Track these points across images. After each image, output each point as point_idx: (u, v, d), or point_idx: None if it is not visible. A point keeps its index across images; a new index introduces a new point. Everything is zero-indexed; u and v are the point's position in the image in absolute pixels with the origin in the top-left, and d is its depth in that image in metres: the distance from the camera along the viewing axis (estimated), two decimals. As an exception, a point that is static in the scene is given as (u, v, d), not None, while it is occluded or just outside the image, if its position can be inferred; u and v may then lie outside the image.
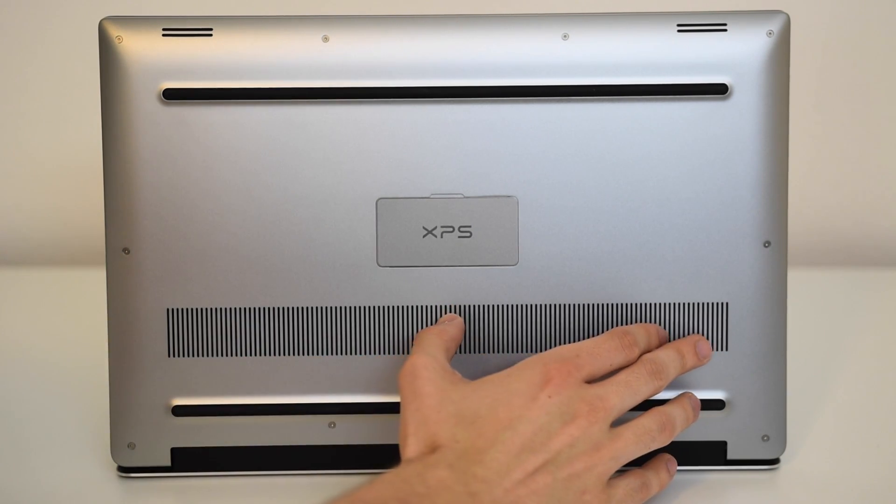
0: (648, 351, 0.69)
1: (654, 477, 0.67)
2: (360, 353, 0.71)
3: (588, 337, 0.71)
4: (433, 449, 0.62)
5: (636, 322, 0.70)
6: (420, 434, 0.63)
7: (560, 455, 0.62)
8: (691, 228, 0.70)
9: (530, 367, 0.65)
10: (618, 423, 0.65)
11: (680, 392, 0.70)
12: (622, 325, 0.70)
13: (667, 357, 0.68)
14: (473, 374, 0.70)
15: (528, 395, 0.63)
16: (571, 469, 0.62)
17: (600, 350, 0.67)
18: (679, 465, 0.72)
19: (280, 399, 0.71)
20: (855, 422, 0.79)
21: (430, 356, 0.66)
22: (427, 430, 0.63)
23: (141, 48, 0.68)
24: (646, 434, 0.65)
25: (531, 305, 0.70)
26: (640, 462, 0.68)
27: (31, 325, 0.98)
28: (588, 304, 0.70)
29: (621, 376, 0.66)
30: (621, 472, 0.66)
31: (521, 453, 0.62)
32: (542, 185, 0.70)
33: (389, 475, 0.60)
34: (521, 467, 0.61)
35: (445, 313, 0.70)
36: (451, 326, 0.69)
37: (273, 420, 0.71)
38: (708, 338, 0.71)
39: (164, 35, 0.69)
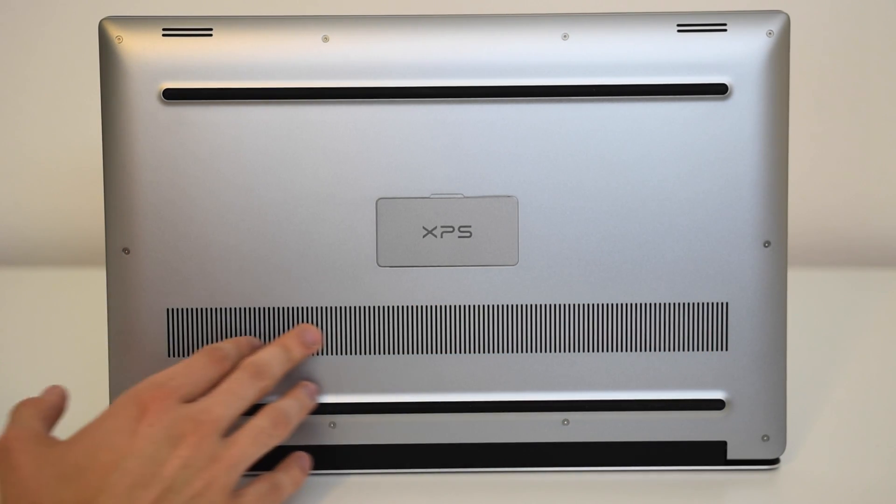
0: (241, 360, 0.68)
1: (285, 476, 0.67)
2: (360, 353, 0.71)
3: (588, 337, 0.71)
4: None
5: (636, 322, 0.70)
6: None
7: (176, 480, 0.61)
8: (691, 228, 0.70)
9: (123, 404, 0.63)
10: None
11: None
12: (622, 325, 0.70)
13: (268, 355, 0.67)
14: (474, 374, 0.70)
15: (127, 430, 0.61)
16: (191, 490, 0.61)
17: (192, 369, 0.65)
18: (679, 465, 0.72)
19: (280, 399, 0.71)
20: (855, 422, 0.79)
21: (22, 427, 0.63)
22: (28, 501, 0.59)
23: (141, 48, 0.68)
24: (261, 433, 0.64)
25: (531, 305, 0.70)
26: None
27: (31, 325, 0.98)
28: (588, 304, 0.70)
29: (223, 385, 0.65)
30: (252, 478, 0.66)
31: (132, 491, 0.60)
32: (542, 185, 0.70)
33: None
34: None
35: (445, 313, 0.70)
36: (51, 394, 0.66)
37: (273, 420, 0.71)
38: (708, 338, 0.71)
39: (164, 35, 0.69)
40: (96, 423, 0.62)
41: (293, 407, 0.67)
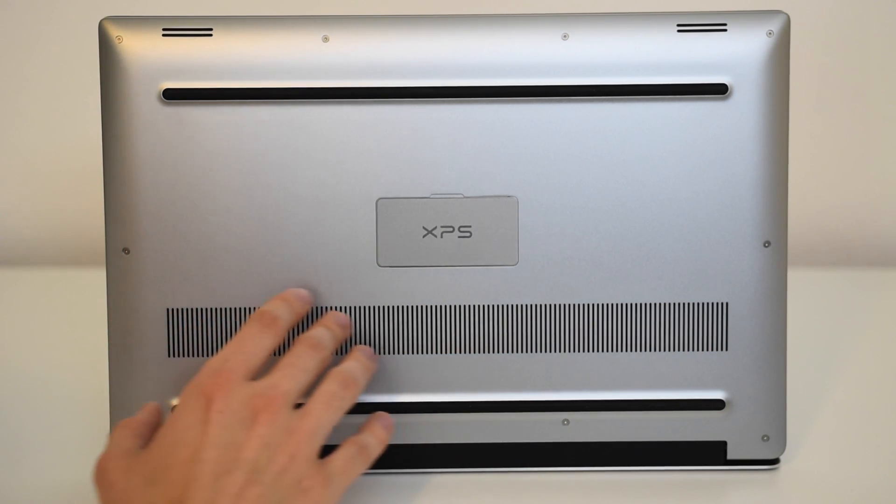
0: (294, 322, 0.68)
1: (370, 436, 0.67)
2: (360, 353, 0.71)
3: (588, 337, 0.71)
4: None
5: (636, 322, 0.70)
6: None
7: (259, 460, 0.61)
8: (691, 228, 0.70)
9: (189, 396, 0.63)
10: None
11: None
12: (622, 325, 0.70)
13: (318, 332, 0.67)
14: (474, 374, 0.70)
15: (198, 422, 0.62)
16: (276, 466, 0.61)
17: (244, 344, 0.65)
18: (679, 465, 0.72)
19: (280, 399, 0.71)
20: (855, 422, 0.79)
21: (114, 447, 0.63)
22: None
23: (141, 48, 0.68)
24: (333, 398, 0.64)
25: (531, 305, 0.70)
26: None
27: (31, 325, 0.98)
28: (588, 304, 0.70)
29: (283, 360, 0.65)
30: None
31: (217, 480, 0.60)
32: (542, 185, 0.70)
33: None
34: (224, 493, 0.59)
35: (445, 313, 0.70)
36: (143, 413, 0.67)
37: (273, 420, 0.71)
38: (708, 338, 0.71)
39: (164, 35, 0.69)
40: (169, 422, 0.63)
41: (357, 368, 0.67)
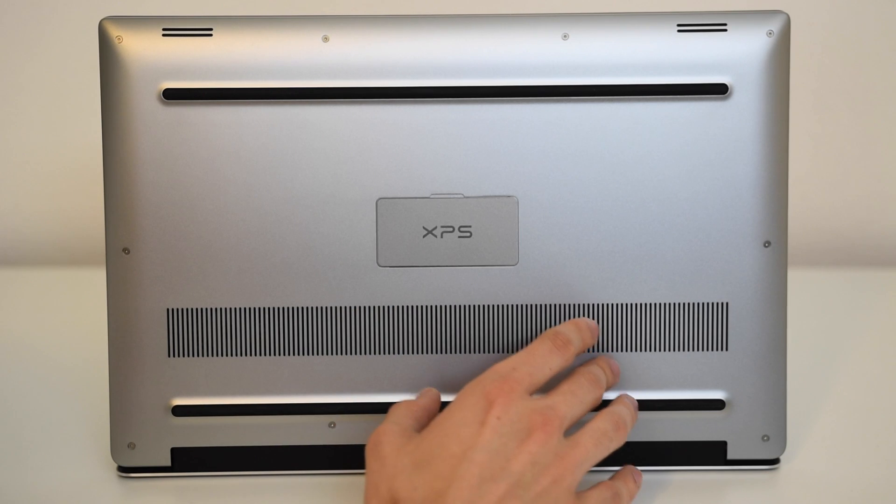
0: (583, 348, 0.69)
1: (624, 487, 0.67)
2: (360, 353, 0.71)
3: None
4: None
5: (636, 322, 0.70)
6: (381, 493, 0.62)
7: (524, 476, 0.61)
8: (691, 228, 0.70)
9: (470, 394, 0.64)
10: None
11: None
12: (622, 325, 0.70)
13: (597, 370, 0.68)
14: (474, 373, 0.70)
15: (475, 422, 0.62)
16: (538, 487, 0.61)
17: (535, 358, 0.66)
18: (679, 465, 0.72)
19: (280, 399, 0.71)
20: (855, 422, 0.79)
21: (393, 423, 0.65)
22: (386, 486, 0.62)
23: (141, 48, 0.68)
24: (603, 436, 0.65)
25: (531, 305, 0.70)
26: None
27: (31, 325, 0.98)
28: (588, 304, 0.70)
29: (564, 386, 0.66)
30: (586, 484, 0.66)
31: (482, 484, 0.60)
32: (542, 184, 0.70)
33: None
34: (485, 498, 0.60)
35: (445, 313, 0.70)
36: (424, 398, 0.68)
37: (273, 420, 0.71)
38: (708, 338, 0.71)
39: (164, 35, 0.69)
40: (446, 413, 0.64)
41: (627, 413, 0.68)
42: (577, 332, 0.68)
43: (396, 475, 0.62)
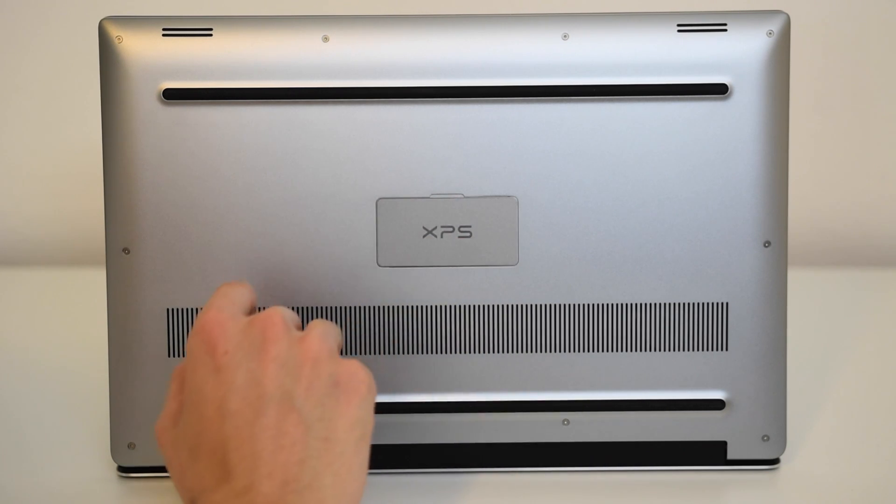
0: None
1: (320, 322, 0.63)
2: (360, 354, 0.71)
3: (588, 337, 0.70)
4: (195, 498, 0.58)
5: (636, 322, 0.70)
6: (182, 494, 0.59)
7: (283, 384, 0.58)
8: (691, 228, 0.70)
9: (190, 351, 0.60)
10: None
11: None
12: (622, 325, 0.70)
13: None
14: (474, 374, 0.70)
15: (210, 372, 0.59)
16: (304, 381, 0.59)
17: (227, 291, 0.63)
18: (679, 465, 0.72)
19: (280, 399, 0.71)
20: (855, 422, 0.79)
21: (165, 414, 0.62)
22: (182, 487, 0.59)
23: (141, 48, 0.68)
24: (318, 323, 0.62)
25: (531, 305, 0.70)
26: None
27: (31, 325, 0.98)
28: (588, 304, 0.70)
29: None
30: None
31: (254, 426, 0.57)
32: (542, 185, 0.70)
33: None
34: (264, 439, 0.57)
35: (445, 313, 0.70)
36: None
37: (273, 420, 0.71)
38: (708, 338, 0.71)
39: (164, 35, 0.69)
40: (187, 385, 0.61)
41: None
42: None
43: (184, 473, 0.59)
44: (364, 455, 0.60)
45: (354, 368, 0.61)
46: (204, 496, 0.57)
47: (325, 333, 0.62)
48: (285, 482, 0.56)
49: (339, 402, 0.59)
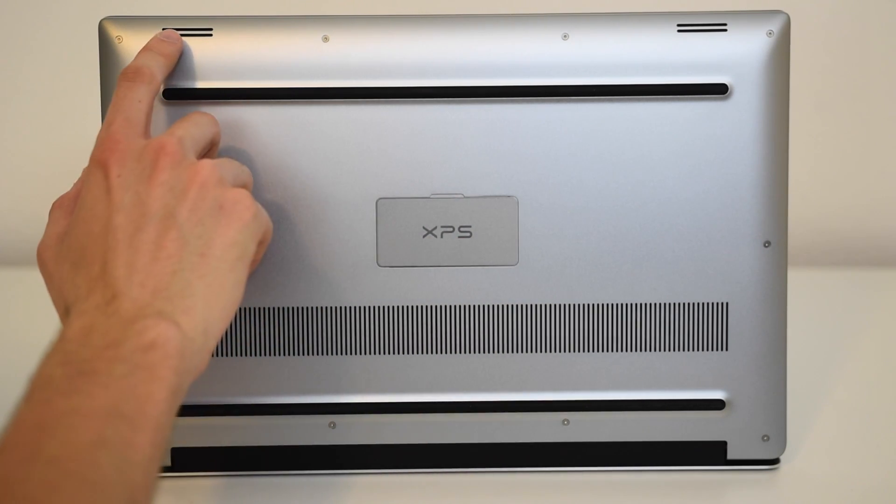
0: (167, 63, 0.67)
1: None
2: (360, 353, 0.71)
3: (588, 337, 0.71)
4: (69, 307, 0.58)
5: (636, 322, 0.70)
6: (59, 307, 0.60)
7: (167, 206, 0.59)
8: (691, 228, 0.70)
9: (86, 174, 0.61)
10: None
11: None
12: (622, 325, 0.70)
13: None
14: (474, 374, 0.70)
15: (102, 193, 0.60)
16: (188, 204, 0.60)
17: (119, 102, 0.63)
18: (679, 465, 0.72)
19: (280, 399, 0.71)
20: (855, 422, 0.79)
21: (48, 233, 0.63)
22: (59, 298, 0.60)
23: (141, 48, 0.68)
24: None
25: (531, 305, 0.70)
26: None
27: (31, 325, 0.98)
28: (588, 304, 0.70)
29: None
30: None
31: (132, 241, 0.58)
32: (542, 185, 0.70)
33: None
34: (141, 250, 0.58)
35: (445, 313, 0.70)
36: (76, 185, 0.66)
37: (273, 420, 0.71)
38: (708, 338, 0.71)
39: (164, 35, 0.69)
40: (79, 203, 0.61)
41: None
42: (146, 55, 0.66)
43: (63, 284, 0.59)
44: (239, 275, 0.61)
45: (241, 196, 0.61)
46: (77, 305, 0.58)
47: (220, 164, 0.62)
48: (156, 290, 0.57)
49: (220, 223, 0.60)
